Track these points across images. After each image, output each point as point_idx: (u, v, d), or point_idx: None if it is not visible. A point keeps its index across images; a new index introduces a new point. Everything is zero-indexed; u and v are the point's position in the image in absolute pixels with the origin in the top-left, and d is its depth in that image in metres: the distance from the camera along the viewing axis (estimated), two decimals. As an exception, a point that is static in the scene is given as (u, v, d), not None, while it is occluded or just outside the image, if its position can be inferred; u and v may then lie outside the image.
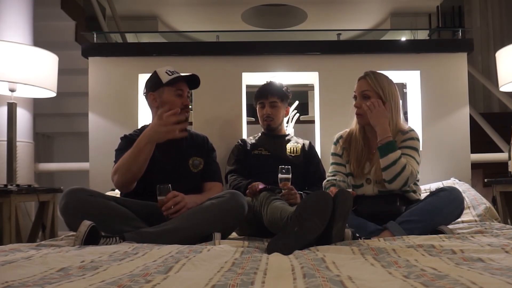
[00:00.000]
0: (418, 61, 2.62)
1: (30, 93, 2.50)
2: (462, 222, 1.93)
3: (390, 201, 1.70)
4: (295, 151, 2.22)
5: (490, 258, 1.04)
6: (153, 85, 1.83)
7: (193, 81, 1.87)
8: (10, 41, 2.31)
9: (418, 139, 1.78)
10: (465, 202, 1.81)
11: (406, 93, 2.92)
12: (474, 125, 2.99)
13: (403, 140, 1.76)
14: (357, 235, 1.48)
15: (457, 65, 2.61)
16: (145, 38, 4.67)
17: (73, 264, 1.02)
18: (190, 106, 1.87)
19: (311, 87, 2.99)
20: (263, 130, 2.32)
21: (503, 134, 3.20)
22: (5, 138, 2.35)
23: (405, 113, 2.82)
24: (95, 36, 2.83)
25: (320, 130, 2.59)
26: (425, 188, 2.19)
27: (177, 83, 1.81)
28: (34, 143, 2.81)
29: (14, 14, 2.65)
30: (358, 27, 5.81)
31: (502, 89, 2.52)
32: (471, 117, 2.71)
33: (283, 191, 1.79)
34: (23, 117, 2.65)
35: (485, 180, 2.46)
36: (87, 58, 2.63)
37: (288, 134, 2.35)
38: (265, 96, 2.21)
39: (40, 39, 2.90)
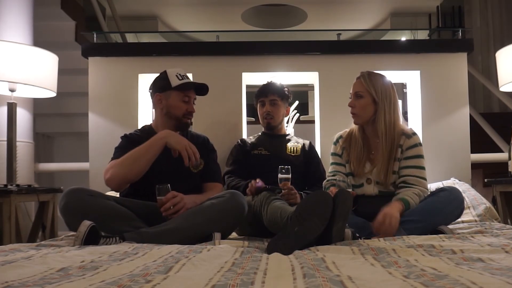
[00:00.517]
0: (418, 61, 2.62)
1: (30, 93, 2.50)
2: (462, 222, 1.93)
3: (390, 201, 1.70)
4: (295, 151, 2.22)
5: (490, 258, 1.04)
6: (162, 86, 1.84)
7: (201, 88, 1.89)
8: (10, 41, 2.31)
9: (421, 144, 1.79)
10: (465, 202, 1.81)
11: (406, 93, 2.92)
12: (474, 125, 2.99)
13: (408, 147, 1.76)
14: (357, 235, 1.48)
15: (457, 65, 2.61)
16: (145, 38, 4.67)
17: (73, 264, 1.02)
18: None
19: (311, 87, 2.99)
20: (263, 129, 2.32)
21: (503, 134, 3.20)
22: (5, 138, 2.35)
23: (405, 113, 2.82)
24: (95, 36, 2.83)
25: (320, 130, 2.59)
26: (425, 188, 2.18)
27: (186, 89, 1.82)
28: (34, 143, 2.81)
29: (14, 14, 2.65)
30: (358, 27, 5.81)
31: (502, 89, 2.52)
32: (471, 117, 2.71)
33: (283, 191, 1.79)
34: (23, 117, 2.65)
35: (485, 180, 2.47)
36: (87, 58, 2.63)
37: (288, 134, 2.35)
38: (265, 94, 2.22)
39: (40, 39, 2.90)
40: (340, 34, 2.86)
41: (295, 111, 2.89)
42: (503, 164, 2.56)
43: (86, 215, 1.46)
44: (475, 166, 2.74)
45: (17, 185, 2.29)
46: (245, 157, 2.21)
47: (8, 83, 2.27)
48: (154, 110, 1.92)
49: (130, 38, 4.04)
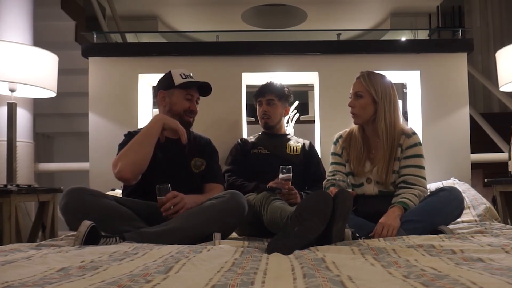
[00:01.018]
0: (418, 61, 2.62)
1: (30, 93, 2.50)
2: (462, 222, 1.93)
3: (390, 201, 1.70)
4: (295, 150, 2.22)
5: (490, 258, 1.04)
6: (166, 84, 1.87)
7: (204, 88, 1.90)
8: (10, 41, 2.31)
9: (421, 143, 1.79)
10: (465, 202, 1.81)
11: (406, 93, 2.92)
12: (474, 125, 2.99)
13: (408, 146, 1.76)
14: (357, 235, 1.48)
15: (457, 65, 2.61)
16: (145, 38, 4.67)
17: (73, 264, 1.02)
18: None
19: (311, 87, 2.99)
20: (263, 129, 2.32)
21: (503, 134, 3.20)
22: (5, 138, 2.35)
23: (405, 113, 2.82)
24: (95, 36, 2.83)
25: (320, 130, 2.59)
26: (425, 188, 2.19)
27: (189, 88, 1.84)
28: (34, 143, 2.81)
29: (14, 14, 2.65)
30: (358, 27, 5.81)
31: (502, 89, 2.52)
32: (471, 117, 2.71)
33: (283, 190, 1.79)
34: (23, 117, 2.65)
35: (485, 180, 2.47)
36: (87, 58, 2.63)
37: (289, 134, 2.35)
38: (263, 94, 2.23)
39: (40, 39, 2.90)
40: (340, 34, 2.86)
41: (295, 111, 2.89)
42: (503, 164, 2.56)
43: (86, 214, 1.46)
44: (475, 166, 2.74)
45: (17, 185, 2.29)
46: (244, 157, 2.20)
47: (8, 83, 2.27)
48: (158, 108, 1.94)
49: (130, 38, 4.05)
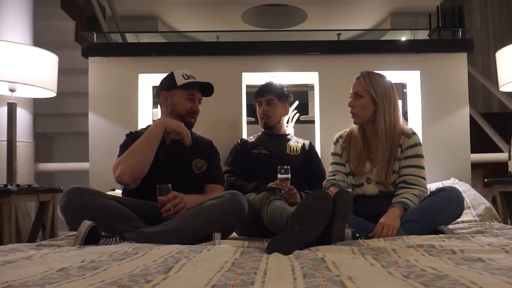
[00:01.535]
0: (418, 61, 2.62)
1: (30, 93, 2.50)
2: (462, 222, 1.93)
3: (390, 201, 1.70)
4: (295, 150, 2.22)
5: (490, 258, 1.04)
6: (168, 85, 1.87)
7: (206, 89, 1.90)
8: (10, 41, 2.31)
9: (421, 143, 1.79)
10: (465, 202, 1.81)
11: (406, 93, 2.92)
12: (474, 125, 2.99)
13: (408, 146, 1.76)
14: (357, 235, 1.48)
15: (457, 65, 2.61)
16: (145, 38, 4.67)
17: (73, 264, 1.02)
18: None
19: (311, 87, 2.99)
20: (263, 129, 2.32)
21: (503, 134, 3.20)
22: (5, 138, 2.35)
23: (405, 113, 2.82)
24: (95, 36, 2.83)
25: (320, 130, 2.59)
26: (425, 188, 2.19)
27: (190, 88, 1.85)
28: (34, 143, 2.81)
29: (14, 14, 2.65)
30: (358, 27, 5.81)
31: (502, 89, 2.52)
32: (471, 117, 2.71)
33: (282, 191, 1.79)
34: (23, 117, 2.65)
35: (485, 180, 2.47)
36: (87, 58, 2.63)
37: (289, 134, 2.35)
38: (262, 94, 2.23)
39: (40, 39, 2.90)
40: (340, 34, 2.86)
41: (295, 111, 2.89)
42: (503, 164, 2.56)
43: (87, 214, 1.46)
44: (475, 166, 2.74)
45: (17, 185, 2.29)
46: (244, 158, 2.20)
47: (8, 83, 2.27)
48: (160, 108, 1.94)
49: (130, 38, 4.05)
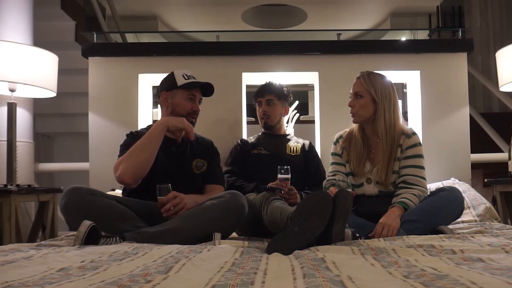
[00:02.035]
0: (418, 61, 2.62)
1: (30, 93, 2.50)
2: (462, 222, 1.93)
3: (390, 201, 1.70)
4: (295, 150, 2.22)
5: (490, 258, 1.04)
6: (168, 85, 1.87)
7: (207, 89, 1.90)
8: (10, 41, 2.31)
9: (421, 144, 1.79)
10: (465, 202, 1.81)
11: (406, 93, 2.92)
12: (474, 125, 2.99)
13: (408, 147, 1.76)
14: (357, 235, 1.48)
15: (457, 65, 2.61)
16: (145, 38, 4.67)
17: (73, 264, 1.02)
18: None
19: (311, 87, 2.99)
20: (263, 129, 2.32)
21: (503, 134, 3.20)
22: (5, 138, 2.35)
23: (405, 113, 2.82)
24: (95, 36, 2.83)
25: (320, 130, 2.59)
26: (425, 188, 2.19)
27: (191, 88, 1.85)
28: (34, 143, 2.81)
29: (14, 14, 2.65)
30: (358, 27, 5.81)
31: (502, 89, 2.52)
32: (471, 117, 2.71)
33: (282, 191, 1.79)
34: (23, 117, 2.65)
35: (485, 180, 2.46)
36: (87, 58, 2.63)
37: (289, 134, 2.35)
38: (262, 95, 2.23)
39: (40, 39, 2.90)
40: (340, 34, 2.86)
41: (295, 111, 2.89)
42: (503, 164, 2.56)
43: (87, 214, 1.46)
44: (475, 166, 2.74)
45: (17, 185, 2.29)
46: (244, 158, 2.20)
47: (8, 83, 2.27)
48: (161, 108, 1.95)
49: (130, 38, 4.05)
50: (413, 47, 2.70)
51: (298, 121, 2.98)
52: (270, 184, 1.81)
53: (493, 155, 2.93)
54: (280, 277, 0.88)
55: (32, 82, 2.28)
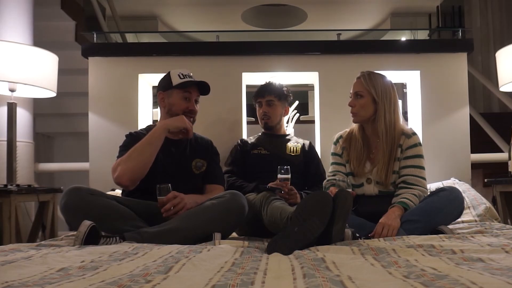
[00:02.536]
0: (418, 61, 2.62)
1: (30, 93, 2.50)
2: (462, 222, 1.93)
3: (390, 201, 1.70)
4: (295, 150, 2.21)
5: (490, 258, 1.04)
6: (165, 85, 1.88)
7: (203, 87, 1.90)
8: (10, 41, 2.31)
9: (421, 144, 1.79)
10: (465, 202, 1.81)
11: (406, 93, 2.92)
12: (474, 125, 2.99)
13: (408, 147, 1.76)
14: (357, 235, 1.48)
15: (457, 65, 2.61)
16: (145, 38, 4.67)
17: (73, 264, 1.02)
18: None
19: (311, 87, 2.99)
20: (263, 130, 2.32)
21: (503, 134, 3.20)
22: (5, 138, 2.35)
23: (405, 113, 2.82)
24: (95, 36, 2.83)
25: (320, 130, 2.59)
26: (425, 188, 2.19)
27: (186, 87, 1.84)
28: (34, 143, 2.81)
29: (14, 14, 2.65)
30: (358, 27, 5.81)
31: (502, 89, 2.52)
32: (471, 117, 2.71)
33: (282, 191, 1.79)
34: (23, 117, 2.65)
35: (485, 180, 2.46)
36: (87, 58, 2.63)
37: (289, 134, 2.35)
38: (262, 95, 2.23)
39: (40, 39, 2.90)
40: (340, 34, 2.86)
41: (295, 111, 2.89)
42: (503, 164, 2.56)
43: (87, 214, 1.46)
44: (475, 166, 2.74)
45: (17, 185, 2.29)
46: (244, 158, 2.20)
47: (8, 83, 2.27)
48: (159, 109, 1.95)
49: (130, 38, 4.05)
50: (413, 47, 2.70)
51: (298, 121, 2.98)
52: (270, 184, 1.81)
53: (493, 155, 2.93)
54: (280, 277, 0.88)
55: (32, 82, 2.28)
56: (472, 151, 2.57)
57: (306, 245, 1.32)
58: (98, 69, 2.62)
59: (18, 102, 2.44)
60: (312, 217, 1.33)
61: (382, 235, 1.53)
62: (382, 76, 1.82)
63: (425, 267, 0.93)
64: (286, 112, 2.34)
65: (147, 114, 2.75)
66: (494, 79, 3.00)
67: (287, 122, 2.75)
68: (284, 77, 2.68)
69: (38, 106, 3.03)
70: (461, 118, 2.58)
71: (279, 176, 1.80)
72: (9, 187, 2.22)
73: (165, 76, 1.91)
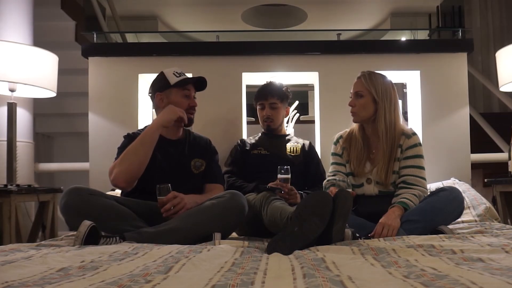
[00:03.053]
0: (418, 61, 2.62)
1: (30, 93, 2.50)
2: (462, 222, 1.93)
3: (390, 201, 1.70)
4: (295, 150, 2.21)
5: (490, 258, 1.04)
6: (161, 86, 1.86)
7: (200, 83, 1.90)
8: (10, 41, 2.31)
9: (421, 144, 1.79)
10: (465, 202, 1.81)
11: (406, 93, 2.92)
12: (474, 125, 2.99)
13: (408, 147, 1.76)
14: (357, 235, 1.48)
15: (457, 65, 2.61)
16: (145, 38, 4.66)
17: (73, 264, 1.02)
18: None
19: (311, 87, 2.99)
20: (263, 130, 2.32)
21: (503, 134, 3.20)
22: (5, 138, 2.35)
23: (405, 113, 2.82)
24: (95, 36, 2.83)
25: (320, 130, 2.59)
26: (425, 188, 2.19)
27: (185, 84, 1.84)
28: (34, 143, 2.81)
29: (14, 14, 2.65)
30: (358, 27, 5.80)
31: (502, 89, 2.52)
32: (471, 117, 2.71)
33: (282, 191, 1.80)
34: (23, 117, 2.65)
35: (485, 180, 2.46)
36: (87, 58, 2.63)
37: (289, 134, 2.34)
38: (265, 98, 2.21)
39: (40, 39, 2.90)
40: (340, 34, 2.86)
41: (295, 111, 2.89)
42: (503, 164, 2.56)
43: (87, 214, 1.46)
44: (475, 166, 2.74)
45: (17, 185, 2.29)
46: (244, 158, 2.20)
47: (8, 83, 2.27)
48: (155, 111, 1.93)
49: (130, 38, 4.04)
50: (413, 47, 2.70)
51: (298, 121, 2.98)
52: (270, 184, 1.81)
53: (493, 155, 2.93)
54: (280, 277, 0.88)
55: (32, 82, 2.28)
56: (472, 151, 2.57)
57: (306, 245, 1.32)
58: (98, 69, 2.62)
59: (18, 102, 2.44)
60: (312, 217, 1.33)
61: (382, 235, 1.53)
62: (383, 76, 1.82)
63: (425, 267, 0.93)
64: (287, 113, 2.34)
65: (147, 114, 2.75)
66: (494, 79, 3.00)
67: (287, 122, 2.75)
68: (284, 77, 2.68)
69: (38, 106, 3.03)
70: (461, 118, 2.58)
71: (279, 176, 1.80)
72: (9, 187, 2.22)
73: (158, 76, 1.89)
